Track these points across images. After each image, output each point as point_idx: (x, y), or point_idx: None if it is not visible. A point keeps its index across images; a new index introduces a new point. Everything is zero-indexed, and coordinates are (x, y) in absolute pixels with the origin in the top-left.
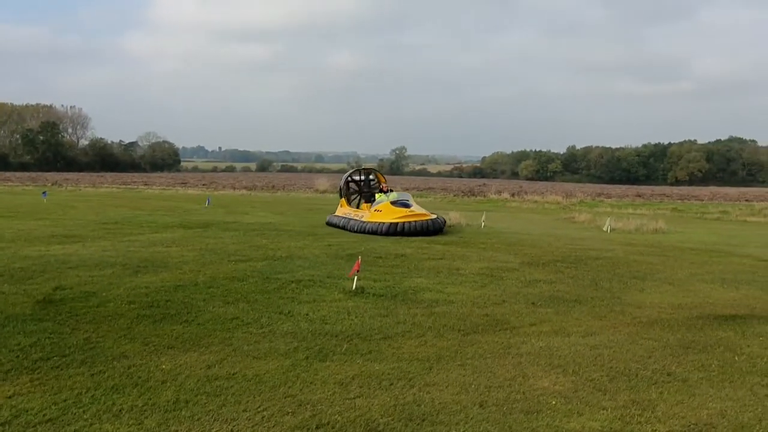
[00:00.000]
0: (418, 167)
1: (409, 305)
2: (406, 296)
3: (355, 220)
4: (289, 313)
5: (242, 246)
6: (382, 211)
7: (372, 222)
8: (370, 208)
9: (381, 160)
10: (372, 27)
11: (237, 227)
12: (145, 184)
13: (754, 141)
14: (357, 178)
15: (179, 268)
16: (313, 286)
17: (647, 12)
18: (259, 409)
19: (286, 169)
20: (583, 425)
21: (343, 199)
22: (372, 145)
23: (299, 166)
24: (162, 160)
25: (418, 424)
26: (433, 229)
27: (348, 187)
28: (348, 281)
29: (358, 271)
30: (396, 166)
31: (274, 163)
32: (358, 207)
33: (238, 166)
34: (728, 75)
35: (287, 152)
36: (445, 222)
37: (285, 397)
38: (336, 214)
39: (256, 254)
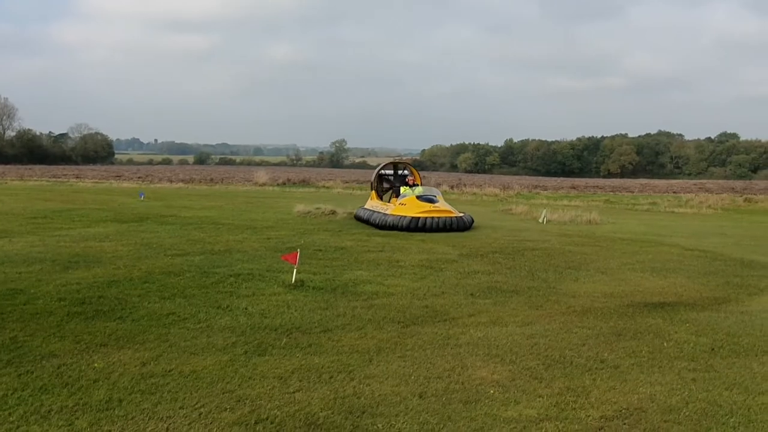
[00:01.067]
0: (358, 160)
1: (349, 298)
2: (346, 289)
3: (379, 213)
4: (227, 307)
5: (179, 240)
6: (406, 205)
7: (394, 215)
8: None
9: (321, 152)
10: (312, 20)
11: (174, 221)
12: (77, 177)
13: (681, 135)
14: (389, 171)
15: (113, 264)
16: (252, 280)
17: (579, 10)
18: (196, 406)
19: (224, 162)
20: (520, 413)
21: (373, 192)
22: (312, 138)
23: (238, 158)
24: (95, 152)
25: (358, 417)
26: (457, 227)
27: (380, 181)
28: (287, 274)
29: (294, 262)
30: (336, 159)
31: (212, 156)
32: (389, 201)
33: (175, 158)
34: (656, 71)
35: (225, 145)
36: (472, 220)
37: (223, 393)
38: (364, 207)
39: (194, 248)
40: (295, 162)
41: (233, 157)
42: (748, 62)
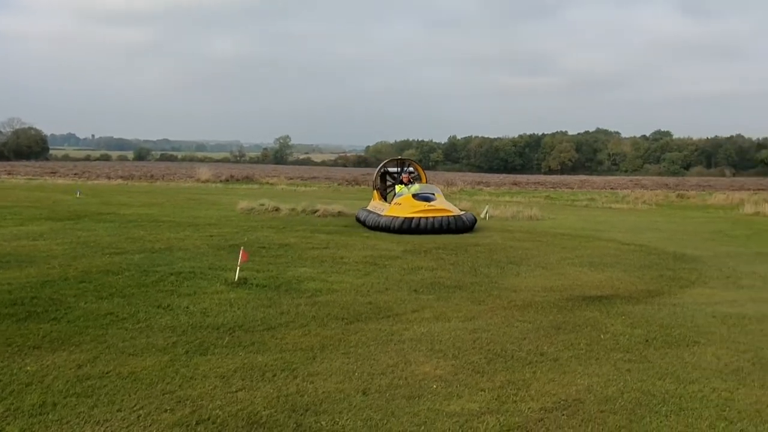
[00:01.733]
0: (302, 156)
1: (293, 295)
2: (289, 286)
3: (374, 213)
4: (168, 306)
5: (118, 238)
6: (401, 205)
7: (387, 216)
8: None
9: (265, 149)
10: (255, 13)
11: (112, 219)
12: (9, 174)
13: (618, 132)
14: (393, 169)
15: (47, 263)
16: (194, 278)
17: (519, 8)
18: (134, 408)
19: (165, 158)
20: (463, 407)
21: (375, 191)
22: (256, 134)
23: (180, 155)
24: (28, 147)
25: (301, 415)
26: (455, 227)
27: (383, 179)
28: (230, 272)
29: (245, 261)
30: (280, 156)
31: (153, 152)
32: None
33: (114, 154)
34: (593, 70)
35: (167, 140)
36: (475, 220)
37: (163, 394)
38: (366, 207)
39: (133, 246)
40: (238, 158)
41: (175, 154)
42: (679, 62)
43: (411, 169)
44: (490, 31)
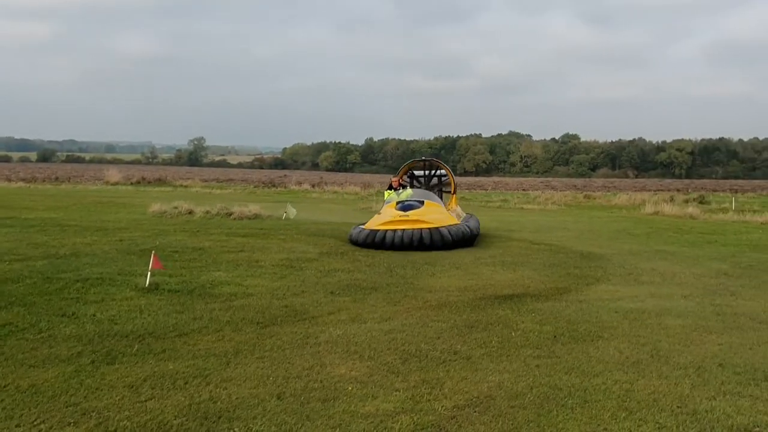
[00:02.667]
0: (217, 158)
1: (207, 300)
2: (203, 291)
3: (361, 225)
4: (73, 315)
5: (18, 244)
6: (381, 215)
7: (359, 228)
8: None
9: (179, 150)
10: (167, 11)
11: (12, 223)
12: None
13: (529, 135)
14: (419, 173)
15: None
16: (102, 285)
17: (433, 12)
18: (35, 423)
19: (72, 160)
20: (377, 408)
21: (389, 193)
22: (169, 135)
23: (87, 156)
24: None
25: (214, 422)
26: (429, 243)
27: (407, 184)
28: (141, 278)
29: (158, 268)
30: (194, 157)
31: (58, 153)
32: None
33: (15, 155)
34: (505, 74)
35: (73, 141)
36: (466, 234)
37: (66, 407)
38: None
39: (35, 252)
40: (150, 160)
41: (82, 155)
42: (585, 69)
43: (443, 172)
44: (405, 34)
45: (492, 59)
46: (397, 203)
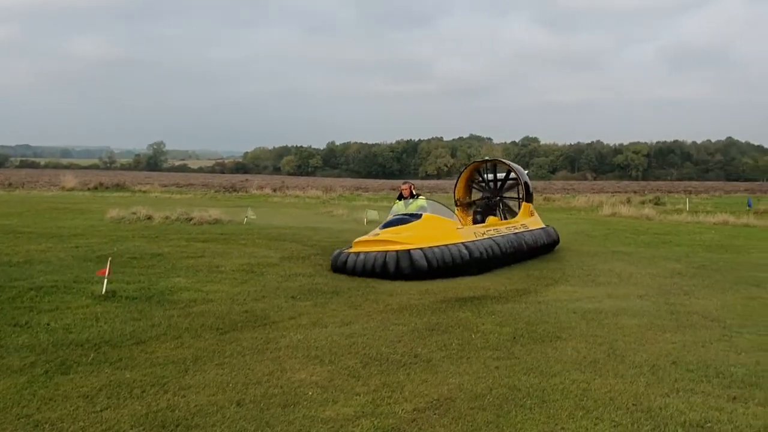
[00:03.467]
0: (177, 163)
1: (166, 306)
2: (162, 297)
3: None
4: (26, 324)
5: None
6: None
7: (340, 251)
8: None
9: (137, 155)
10: (125, 13)
11: None
12: None
13: (490, 138)
14: (492, 176)
15: None
16: (57, 293)
17: (394, 16)
18: None
19: (26, 165)
20: (338, 412)
21: (458, 209)
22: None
23: (42, 161)
24: None
25: (171, 431)
26: (394, 270)
27: (469, 189)
28: (97, 285)
29: (108, 274)
30: (154, 162)
31: (12, 158)
32: (504, 216)
33: None
34: (465, 78)
35: (27, 146)
36: (459, 258)
37: (18, 419)
38: None
39: None
40: (108, 165)
41: (37, 160)
42: (543, 72)
43: (514, 176)
44: (366, 38)
45: (453, 63)
46: (391, 218)
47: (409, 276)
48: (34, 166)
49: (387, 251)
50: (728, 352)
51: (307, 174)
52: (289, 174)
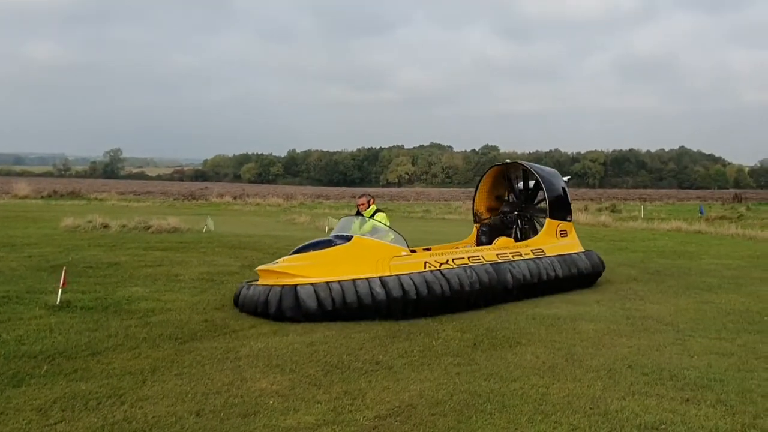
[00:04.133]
0: (135, 170)
1: (123, 316)
2: (119, 307)
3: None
4: None
5: None
6: None
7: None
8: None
9: (93, 162)
10: (79, 17)
11: None
12: None
13: (450, 147)
14: (521, 185)
15: None
16: (9, 303)
17: (353, 24)
18: None
19: None
20: (299, 421)
21: (476, 221)
22: (83, 146)
23: None
24: None
25: None
26: (276, 311)
27: (491, 193)
28: (52, 295)
29: (63, 284)
30: (110, 170)
31: None
32: (521, 237)
33: None
34: (425, 87)
35: None
36: (313, 303)
37: None
38: None
39: None
40: (63, 172)
41: None
42: (502, 81)
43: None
44: (326, 46)
45: (413, 72)
46: (312, 240)
47: (293, 319)
48: None
49: (273, 286)
50: (681, 355)
51: (268, 182)
52: (250, 182)
